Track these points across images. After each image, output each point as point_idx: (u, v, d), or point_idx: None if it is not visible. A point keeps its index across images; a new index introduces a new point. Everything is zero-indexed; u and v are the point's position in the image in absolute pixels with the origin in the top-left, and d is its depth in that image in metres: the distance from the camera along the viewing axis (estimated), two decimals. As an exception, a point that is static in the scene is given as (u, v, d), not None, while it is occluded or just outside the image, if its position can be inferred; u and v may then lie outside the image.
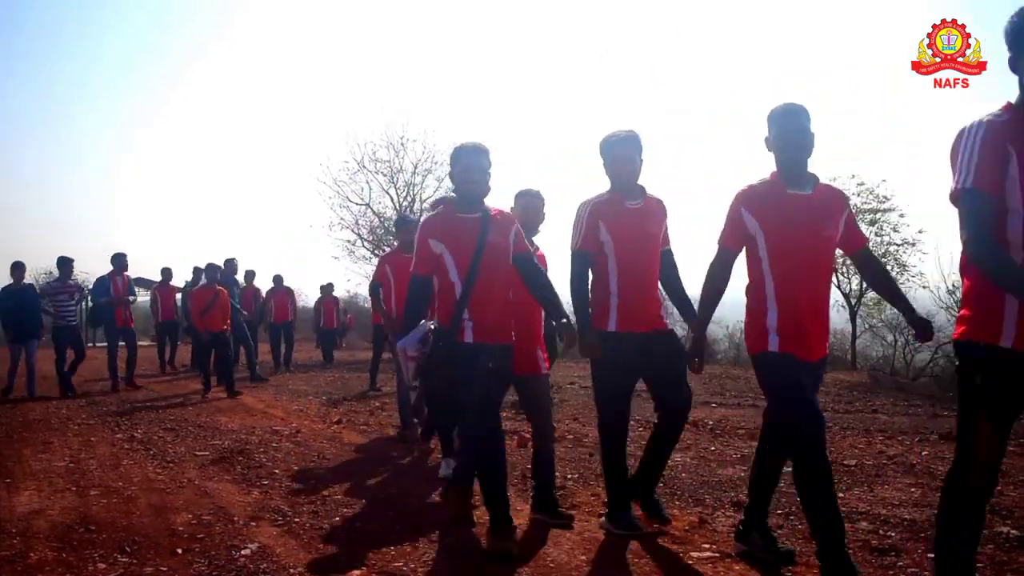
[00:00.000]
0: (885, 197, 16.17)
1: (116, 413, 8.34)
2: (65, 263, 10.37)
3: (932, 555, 2.69)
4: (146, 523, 4.08)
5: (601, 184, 3.91)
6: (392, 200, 20.08)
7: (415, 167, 19.84)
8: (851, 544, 3.57)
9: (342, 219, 20.09)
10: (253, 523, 4.08)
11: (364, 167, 19.79)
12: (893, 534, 3.71)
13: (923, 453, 5.67)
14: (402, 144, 19.58)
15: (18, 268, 10.04)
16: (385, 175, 19.94)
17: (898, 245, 16.14)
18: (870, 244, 3.37)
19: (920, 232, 15.68)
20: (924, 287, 14.86)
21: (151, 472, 5.34)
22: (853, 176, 16.31)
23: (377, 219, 20.21)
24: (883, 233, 16.29)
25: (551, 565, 3.39)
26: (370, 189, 20.01)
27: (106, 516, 4.21)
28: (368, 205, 20.11)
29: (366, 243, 20.34)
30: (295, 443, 6.48)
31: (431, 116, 53.69)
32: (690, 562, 3.41)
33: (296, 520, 4.13)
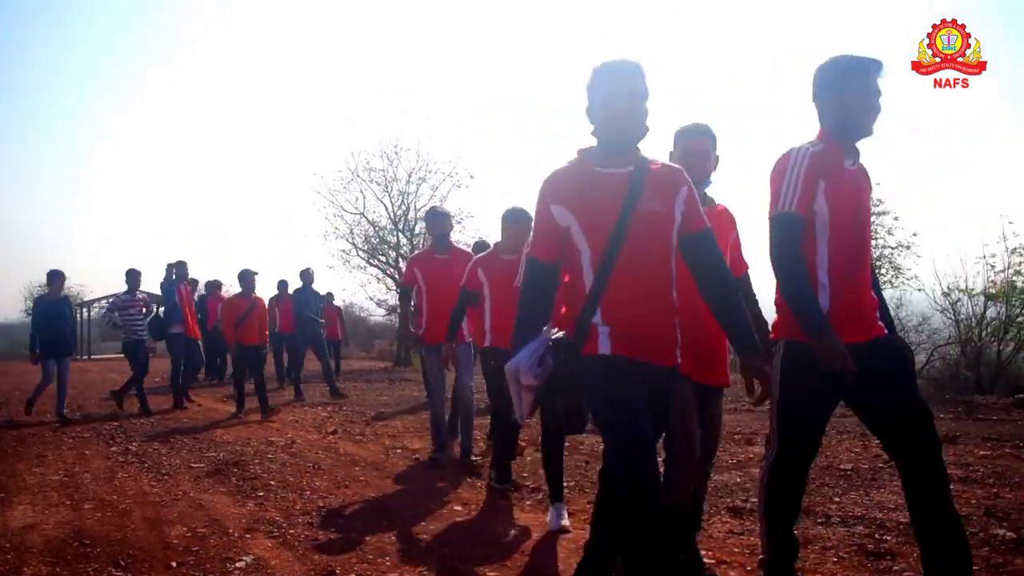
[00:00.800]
0: (879, 200, 16.21)
1: (111, 427, 8.31)
2: (133, 275, 9.76)
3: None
4: (140, 537, 4.06)
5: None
6: (387, 209, 20.11)
7: (409, 176, 19.87)
8: (847, 548, 3.57)
9: (336, 228, 20.09)
10: (248, 535, 4.07)
11: (358, 176, 19.82)
12: (889, 538, 3.71)
13: (919, 456, 5.67)
14: (396, 153, 19.62)
15: (56, 278, 9.29)
16: (379, 184, 19.97)
17: (892, 248, 16.15)
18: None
19: (914, 235, 15.70)
20: (919, 290, 14.85)
21: (146, 485, 5.32)
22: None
23: (372, 228, 20.23)
24: (877, 236, 16.31)
25: (547, 573, 3.39)
26: (364, 198, 20.03)
27: (100, 530, 4.19)
28: (363, 214, 20.13)
29: (361, 252, 20.35)
30: (290, 454, 6.46)
31: (425, 121, 53.25)
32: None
33: (291, 532, 4.12)
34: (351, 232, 20.22)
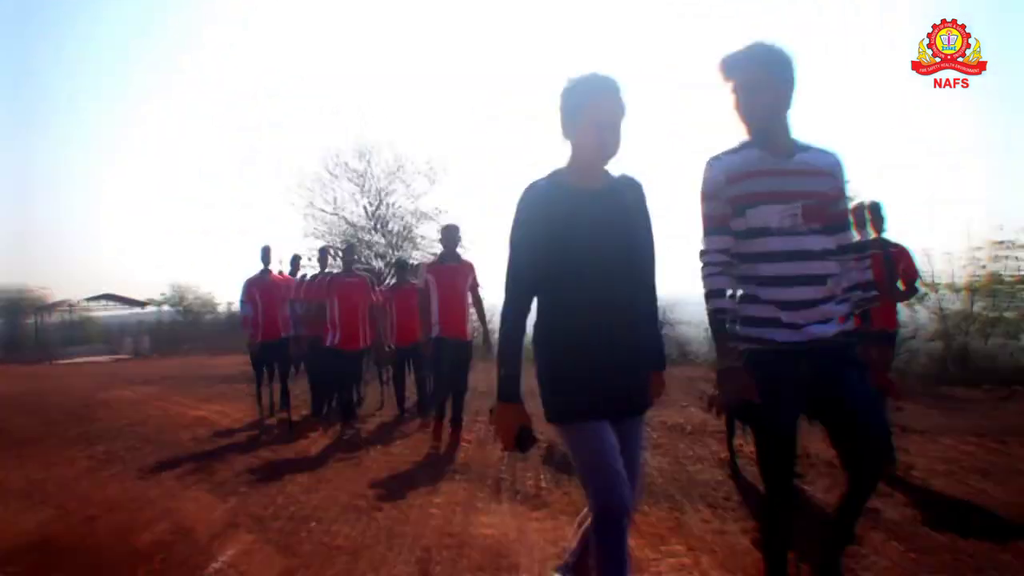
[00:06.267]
0: (855, 194, 16.38)
1: (75, 432, 8.08)
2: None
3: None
4: (108, 543, 3.97)
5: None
6: (365, 209, 20.00)
7: (386, 175, 19.78)
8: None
9: (315, 229, 19.90)
10: (230, 529, 4.06)
11: (334, 176, 19.68)
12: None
13: (890, 445, 5.72)
14: (370, 151, 19.52)
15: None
16: (356, 183, 19.84)
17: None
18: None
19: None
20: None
21: (112, 491, 5.19)
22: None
23: (351, 228, 20.08)
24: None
25: (522, 564, 3.37)
26: (340, 198, 19.89)
27: (67, 537, 4.09)
28: (338, 214, 19.99)
29: (339, 251, 20.17)
30: (271, 451, 6.37)
31: (400, 116, 52.63)
32: (665, 564, 3.40)
33: (273, 525, 4.10)
34: (329, 231, 20.08)
